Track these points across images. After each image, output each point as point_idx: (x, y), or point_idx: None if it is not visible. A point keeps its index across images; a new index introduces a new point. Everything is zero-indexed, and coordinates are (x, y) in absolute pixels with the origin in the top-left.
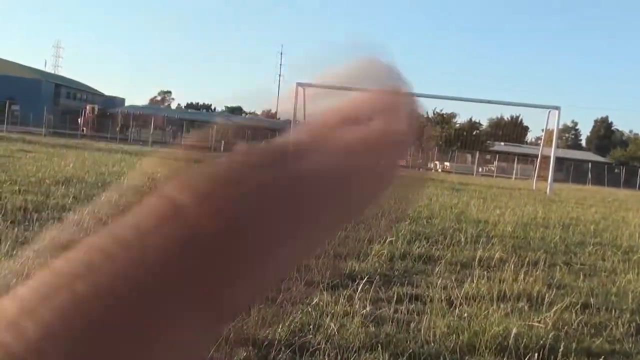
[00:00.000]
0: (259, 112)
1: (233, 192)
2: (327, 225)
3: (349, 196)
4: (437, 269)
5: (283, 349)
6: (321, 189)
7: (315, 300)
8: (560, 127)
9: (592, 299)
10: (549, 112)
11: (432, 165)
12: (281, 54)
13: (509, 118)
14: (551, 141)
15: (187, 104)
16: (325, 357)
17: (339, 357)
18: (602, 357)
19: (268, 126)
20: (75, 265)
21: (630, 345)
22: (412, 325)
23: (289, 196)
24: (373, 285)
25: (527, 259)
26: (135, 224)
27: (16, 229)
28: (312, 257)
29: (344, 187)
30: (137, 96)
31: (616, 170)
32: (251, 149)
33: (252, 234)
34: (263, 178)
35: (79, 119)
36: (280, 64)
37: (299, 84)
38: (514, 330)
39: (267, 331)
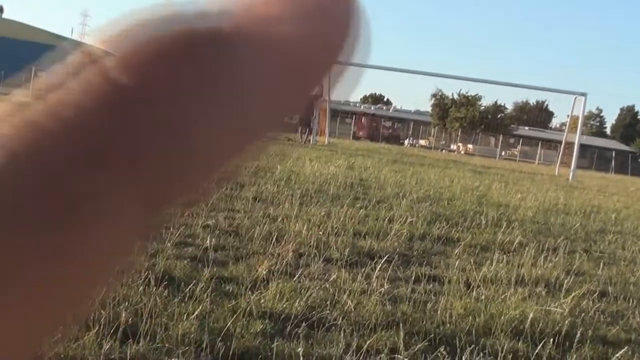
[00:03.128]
0: None
1: (171, 69)
2: (264, 116)
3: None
4: (456, 251)
5: (300, 323)
6: (261, 73)
7: (333, 276)
8: (586, 114)
9: (610, 288)
10: (575, 98)
11: (455, 147)
12: None
13: (535, 103)
14: (576, 127)
15: None
16: (341, 333)
17: (354, 334)
18: (618, 345)
19: None
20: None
21: None
22: (429, 305)
23: (228, 77)
24: (391, 264)
25: (547, 245)
26: (75, 101)
27: None
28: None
29: (284, 78)
30: None
31: None
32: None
33: (184, 110)
34: (204, 55)
35: None
36: None
37: None
38: (531, 315)
39: (284, 305)
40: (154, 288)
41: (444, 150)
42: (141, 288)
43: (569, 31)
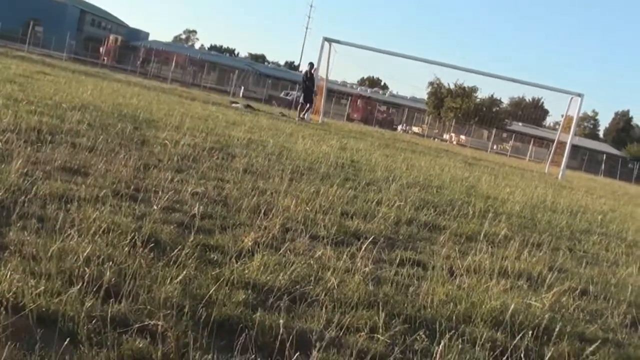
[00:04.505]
0: (281, 63)
1: None
2: None
3: None
4: (441, 238)
5: (282, 296)
6: None
7: (318, 253)
8: (581, 115)
9: (591, 287)
10: (571, 98)
11: (447, 136)
12: (311, 6)
13: (530, 100)
14: (569, 128)
15: (211, 46)
16: (323, 309)
17: (336, 310)
18: (595, 343)
19: (289, 77)
20: None
21: (624, 336)
22: (411, 289)
23: None
24: (377, 246)
25: (532, 240)
26: None
27: (29, 149)
28: None
29: None
30: (161, 32)
31: (630, 165)
32: None
33: None
34: None
35: (101, 48)
36: (309, 17)
37: (325, 39)
38: (512, 307)
39: (268, 277)
40: (140, 250)
41: (436, 139)
42: (126, 249)
43: (573, 31)
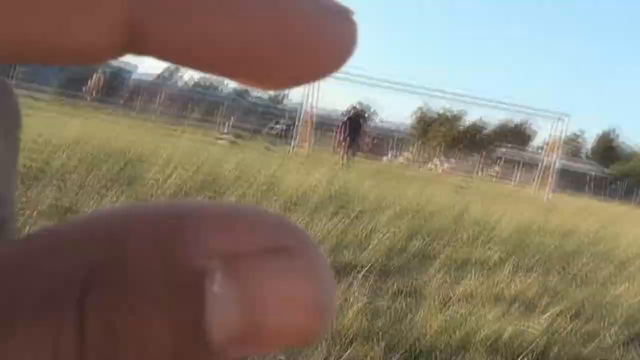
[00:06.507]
0: (265, 97)
1: None
2: None
3: None
4: (434, 266)
5: None
6: None
7: None
8: (568, 135)
9: (584, 307)
10: (557, 119)
11: (434, 163)
12: None
13: (517, 122)
14: (555, 149)
15: (195, 83)
16: (322, 342)
17: (335, 344)
18: None
19: (274, 111)
20: None
21: (620, 355)
22: (408, 318)
23: None
24: (371, 276)
25: (524, 263)
26: None
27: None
28: None
29: None
30: (146, 68)
31: (617, 184)
32: None
33: None
34: None
35: (85, 85)
36: None
37: None
38: (507, 332)
39: None
40: None
41: (423, 166)
42: None
43: (562, 52)
